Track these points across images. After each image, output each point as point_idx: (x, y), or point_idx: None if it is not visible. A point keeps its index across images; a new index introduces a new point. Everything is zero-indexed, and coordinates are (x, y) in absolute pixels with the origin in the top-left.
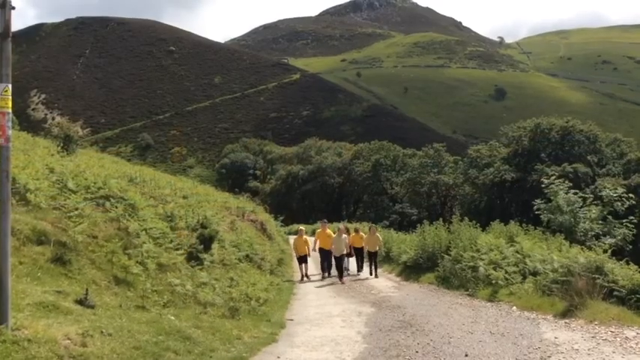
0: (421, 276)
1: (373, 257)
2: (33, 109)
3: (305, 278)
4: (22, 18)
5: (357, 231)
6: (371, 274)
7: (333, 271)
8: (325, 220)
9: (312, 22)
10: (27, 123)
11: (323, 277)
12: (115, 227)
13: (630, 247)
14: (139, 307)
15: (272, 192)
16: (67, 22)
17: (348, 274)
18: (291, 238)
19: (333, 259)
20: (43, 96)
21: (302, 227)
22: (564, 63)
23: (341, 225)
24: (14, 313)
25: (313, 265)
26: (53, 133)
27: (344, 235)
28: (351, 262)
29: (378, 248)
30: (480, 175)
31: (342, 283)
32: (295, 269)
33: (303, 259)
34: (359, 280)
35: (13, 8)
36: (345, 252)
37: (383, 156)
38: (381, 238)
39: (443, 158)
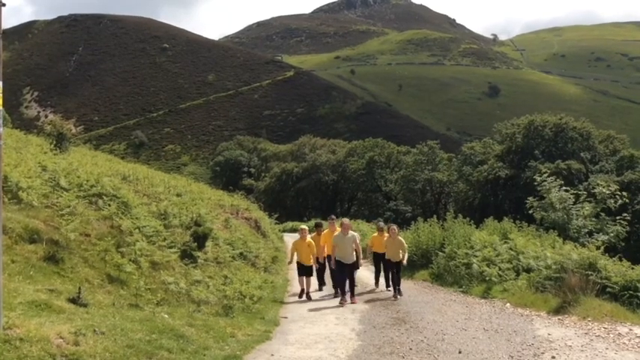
0: (415, 273)
1: (396, 270)
2: (26, 107)
3: (304, 296)
4: (17, 15)
5: (381, 230)
6: (395, 296)
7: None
8: (333, 217)
9: (306, 19)
10: (19, 121)
11: (342, 301)
12: (107, 225)
13: (623, 243)
14: (132, 306)
15: (266, 190)
16: (60, 19)
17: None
18: (287, 237)
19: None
20: (35, 93)
21: (304, 226)
22: (558, 60)
23: (345, 219)
24: (6, 312)
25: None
26: (46, 131)
27: (351, 233)
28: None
29: (402, 257)
30: (474, 172)
31: (353, 302)
32: (290, 274)
33: (306, 271)
34: (379, 299)
35: (4, 5)
36: (354, 259)
37: (377, 153)
38: (405, 243)
39: (437, 155)
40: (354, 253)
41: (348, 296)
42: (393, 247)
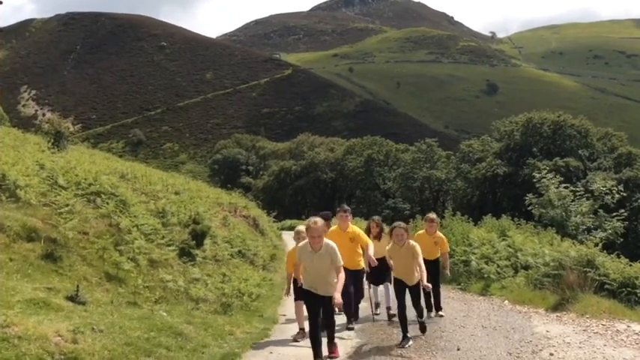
0: None
1: (413, 295)
2: (23, 106)
3: (304, 336)
4: (19, 13)
5: (431, 222)
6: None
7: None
8: (346, 207)
9: (304, 17)
10: (17, 119)
11: (349, 325)
12: (106, 224)
13: (621, 240)
14: (130, 304)
15: (264, 188)
16: (57, 17)
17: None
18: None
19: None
20: (33, 92)
21: (302, 227)
22: (556, 58)
23: (318, 219)
24: (4, 310)
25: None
26: (44, 130)
27: (330, 245)
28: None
29: (419, 277)
30: (472, 169)
31: (333, 355)
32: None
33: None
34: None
35: (0, 3)
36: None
37: (375, 151)
38: (420, 253)
39: (435, 153)
40: (337, 277)
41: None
42: (403, 261)
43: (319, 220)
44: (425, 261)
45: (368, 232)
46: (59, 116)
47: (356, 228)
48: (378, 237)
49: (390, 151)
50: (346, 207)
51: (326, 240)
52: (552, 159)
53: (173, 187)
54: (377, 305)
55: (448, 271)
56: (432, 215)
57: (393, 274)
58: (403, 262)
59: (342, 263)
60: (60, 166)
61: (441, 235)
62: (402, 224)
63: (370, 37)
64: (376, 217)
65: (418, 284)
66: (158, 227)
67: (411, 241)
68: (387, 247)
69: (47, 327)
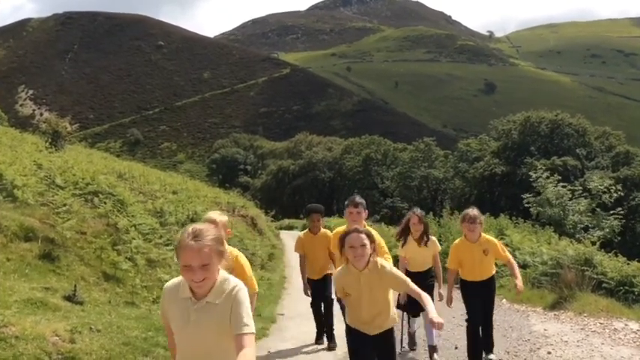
0: None
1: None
2: (21, 105)
3: None
4: (18, 13)
5: (472, 222)
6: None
7: None
8: (357, 200)
9: (302, 16)
10: (15, 119)
11: None
12: (103, 223)
13: (619, 238)
14: (128, 303)
15: (262, 187)
16: (55, 16)
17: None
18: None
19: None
20: (31, 91)
21: (215, 215)
22: (554, 57)
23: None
24: (1, 310)
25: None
26: (41, 129)
27: (226, 281)
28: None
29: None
30: (470, 168)
31: None
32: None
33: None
34: None
35: None
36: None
37: (373, 150)
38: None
39: (433, 152)
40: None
41: None
42: (367, 296)
43: (211, 225)
44: (473, 284)
45: (406, 231)
46: (57, 116)
47: (373, 231)
48: (420, 240)
49: (388, 151)
50: (358, 199)
51: (224, 274)
52: (550, 158)
53: (171, 187)
54: (412, 336)
55: (519, 283)
56: (473, 212)
57: (347, 321)
58: (367, 299)
59: (251, 329)
60: (57, 166)
61: (490, 237)
62: (362, 228)
63: (368, 37)
64: (418, 210)
65: (388, 335)
66: (156, 227)
67: (382, 261)
68: (339, 271)
69: (45, 327)
